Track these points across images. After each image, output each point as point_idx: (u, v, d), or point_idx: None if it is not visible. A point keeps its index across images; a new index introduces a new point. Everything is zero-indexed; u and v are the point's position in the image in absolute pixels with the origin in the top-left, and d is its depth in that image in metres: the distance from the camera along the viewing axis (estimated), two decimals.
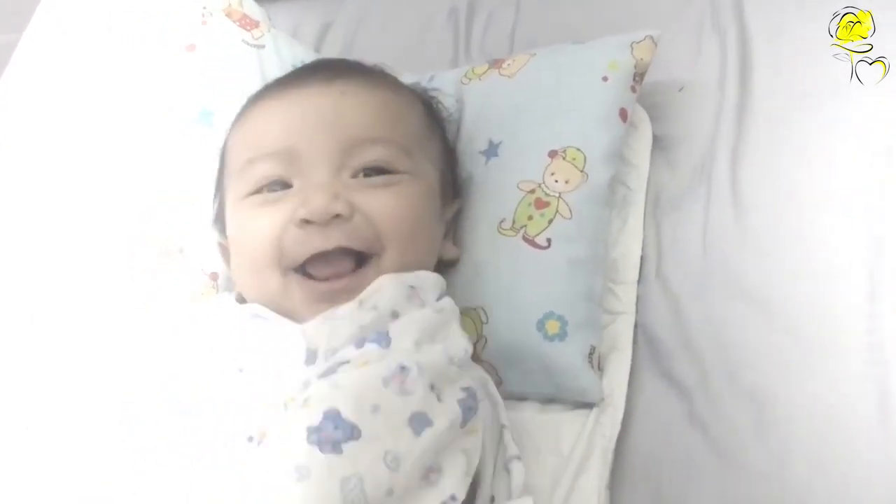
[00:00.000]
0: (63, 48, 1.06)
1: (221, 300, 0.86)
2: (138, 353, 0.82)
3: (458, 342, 0.76)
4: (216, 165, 0.90)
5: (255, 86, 0.94)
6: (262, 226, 0.78)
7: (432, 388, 0.70)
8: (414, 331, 0.74)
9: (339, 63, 0.89)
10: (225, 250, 0.88)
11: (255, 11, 1.04)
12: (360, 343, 0.72)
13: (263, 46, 1.01)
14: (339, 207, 0.76)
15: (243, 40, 1.00)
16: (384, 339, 0.72)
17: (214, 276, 0.91)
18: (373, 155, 0.80)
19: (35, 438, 0.79)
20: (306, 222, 0.76)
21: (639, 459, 0.82)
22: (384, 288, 0.76)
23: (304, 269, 0.78)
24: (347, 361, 0.71)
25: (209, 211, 0.91)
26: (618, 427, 0.83)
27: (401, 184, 0.81)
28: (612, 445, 0.82)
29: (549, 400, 0.85)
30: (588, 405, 0.84)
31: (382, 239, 0.78)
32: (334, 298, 0.76)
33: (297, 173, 0.79)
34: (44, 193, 0.97)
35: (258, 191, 0.80)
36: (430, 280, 0.81)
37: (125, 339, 0.85)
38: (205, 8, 1.00)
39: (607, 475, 0.81)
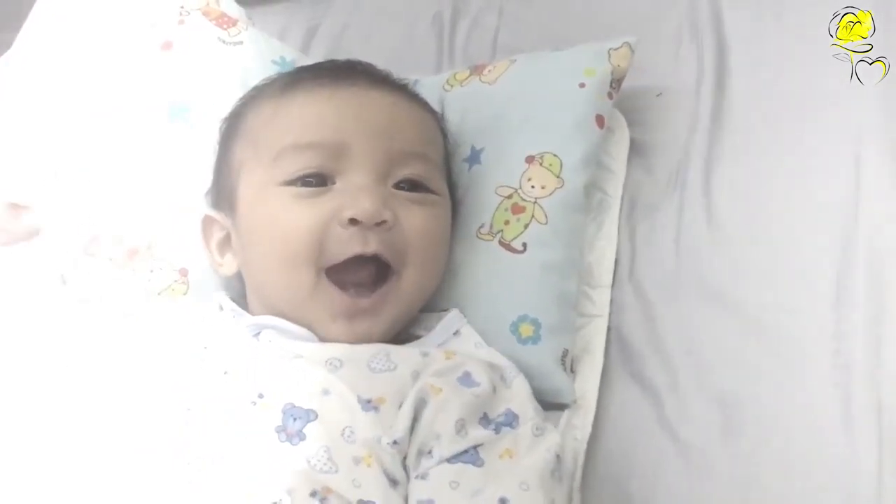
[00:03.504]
0: (42, 50, 1.05)
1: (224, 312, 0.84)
2: (111, 353, 0.81)
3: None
4: (191, 161, 0.90)
5: (233, 83, 0.94)
6: (302, 220, 0.77)
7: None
8: (529, 398, 0.78)
9: (375, 70, 0.88)
10: (209, 225, 0.87)
11: (233, 10, 1.04)
12: (485, 423, 0.73)
13: (241, 43, 1.01)
14: (388, 215, 0.77)
15: (219, 38, 1.00)
16: (512, 418, 0.75)
17: (184, 272, 0.90)
18: (415, 169, 0.82)
19: (34, 438, 0.77)
20: (353, 222, 0.76)
21: (609, 461, 0.82)
22: (476, 370, 0.77)
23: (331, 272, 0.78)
24: (481, 444, 0.72)
25: (177, 207, 0.90)
26: (589, 429, 0.83)
27: (435, 205, 0.83)
28: (584, 447, 0.82)
29: None
30: (560, 407, 0.85)
31: (409, 255, 0.80)
32: (356, 315, 0.78)
33: (342, 171, 0.79)
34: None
35: (293, 181, 0.79)
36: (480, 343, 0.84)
37: (101, 339, 0.83)
38: (182, 7, 1.01)
39: (579, 476, 0.81)
